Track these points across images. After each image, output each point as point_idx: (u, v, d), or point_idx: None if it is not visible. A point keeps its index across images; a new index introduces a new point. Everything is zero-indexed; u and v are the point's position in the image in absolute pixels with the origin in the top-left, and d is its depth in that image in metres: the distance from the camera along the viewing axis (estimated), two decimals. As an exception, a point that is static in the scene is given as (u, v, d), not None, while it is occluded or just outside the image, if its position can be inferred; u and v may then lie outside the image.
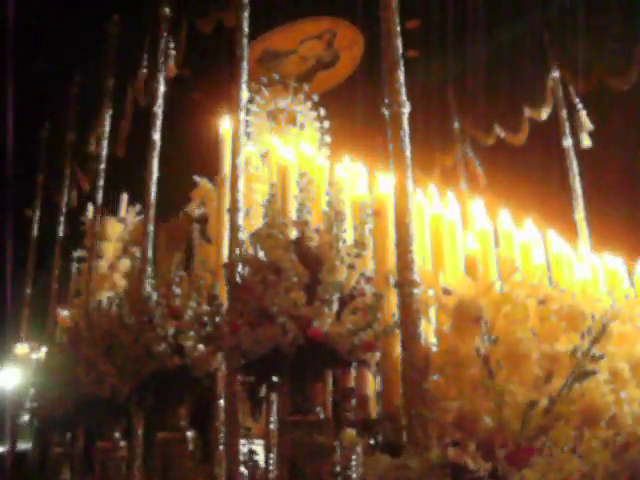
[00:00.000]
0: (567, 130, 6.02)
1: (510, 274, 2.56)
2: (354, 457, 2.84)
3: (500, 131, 6.82)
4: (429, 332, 2.66)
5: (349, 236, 2.93)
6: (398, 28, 2.94)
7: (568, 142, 6.00)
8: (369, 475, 2.18)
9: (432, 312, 2.67)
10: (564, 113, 6.14)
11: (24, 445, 6.51)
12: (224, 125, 4.11)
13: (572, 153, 5.94)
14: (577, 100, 6.17)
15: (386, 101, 2.84)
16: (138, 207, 6.34)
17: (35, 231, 7.71)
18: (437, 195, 3.53)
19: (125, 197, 6.38)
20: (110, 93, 6.48)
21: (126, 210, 6.34)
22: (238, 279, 2.95)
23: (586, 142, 6.02)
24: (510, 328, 2.41)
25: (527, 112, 6.59)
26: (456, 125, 7.08)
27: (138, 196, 6.18)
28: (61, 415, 4.91)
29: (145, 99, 6.22)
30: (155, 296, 3.67)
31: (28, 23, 7.03)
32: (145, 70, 6.08)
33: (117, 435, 4.44)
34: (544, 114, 6.44)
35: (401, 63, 2.89)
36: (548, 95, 6.39)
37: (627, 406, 2.75)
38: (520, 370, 2.34)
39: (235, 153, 3.71)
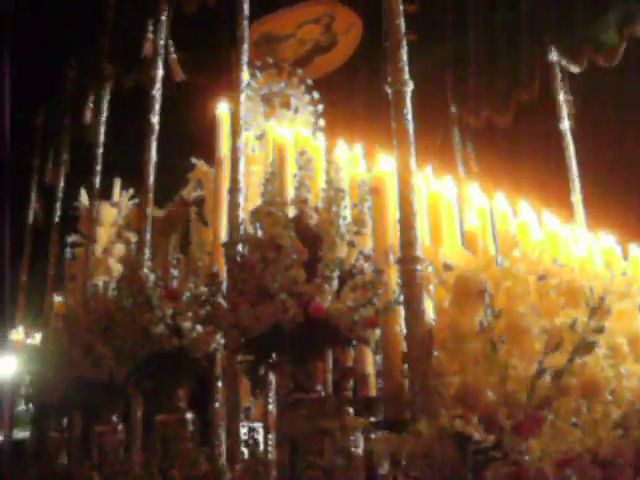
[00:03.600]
0: (564, 113, 6.00)
1: (510, 249, 2.57)
2: (355, 436, 2.84)
3: (490, 113, 6.80)
4: (429, 308, 2.67)
5: (347, 214, 2.93)
6: (401, 7, 2.95)
7: (565, 125, 5.99)
8: (379, 454, 2.18)
9: (431, 288, 2.68)
10: (561, 96, 6.12)
11: (23, 433, 6.49)
12: (221, 107, 4.11)
13: (568, 136, 5.93)
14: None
15: (389, 80, 2.86)
16: (131, 191, 6.31)
17: (31, 217, 7.70)
18: (433, 177, 3.54)
19: (118, 181, 6.34)
20: (106, 78, 6.46)
21: (119, 194, 6.30)
22: (238, 258, 2.94)
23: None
24: (511, 303, 2.41)
25: (517, 94, 6.58)
26: (452, 109, 7.06)
27: (130, 180, 6.19)
28: (58, 400, 4.90)
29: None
30: (153, 278, 3.66)
31: (22, 8, 6.98)
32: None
33: (115, 418, 4.43)
34: (534, 96, 6.43)
35: (404, 42, 2.90)
36: (537, 77, 6.37)
37: (626, 380, 2.77)
38: (521, 344, 2.35)
39: (235, 134, 3.73)
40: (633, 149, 6.40)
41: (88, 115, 6.98)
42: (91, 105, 6.93)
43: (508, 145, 6.77)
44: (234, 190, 3.54)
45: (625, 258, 4.20)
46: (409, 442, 2.06)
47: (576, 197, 5.69)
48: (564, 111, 6.06)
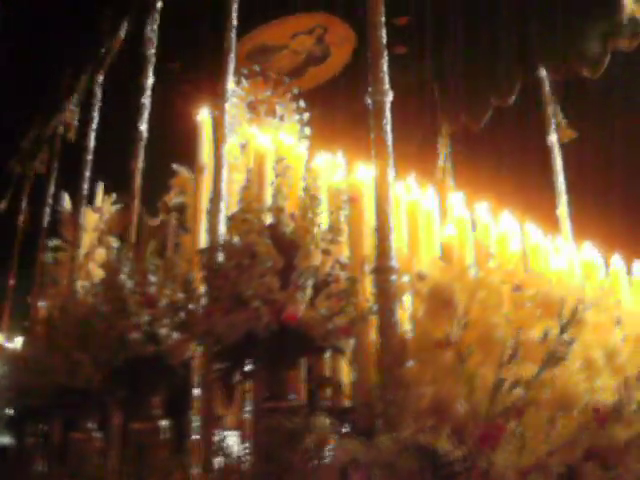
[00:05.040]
0: (552, 126, 6.01)
1: (485, 259, 2.56)
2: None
3: (465, 119, 6.80)
4: (403, 318, 2.66)
5: (324, 222, 2.92)
6: (383, 18, 2.96)
7: (552, 138, 5.99)
8: (340, 458, 2.17)
9: (406, 298, 2.67)
10: (550, 109, 6.12)
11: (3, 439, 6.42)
12: (202, 114, 4.11)
13: (556, 149, 5.93)
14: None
15: (369, 90, 2.86)
16: (114, 196, 6.30)
17: (20, 222, 7.66)
18: (415, 186, 3.54)
19: (102, 186, 6.32)
20: (95, 83, 6.45)
21: (102, 199, 6.28)
22: (213, 264, 2.92)
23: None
24: (484, 313, 2.40)
25: (494, 101, 6.59)
26: (435, 118, 7.06)
27: (113, 185, 6.17)
28: (36, 405, 4.85)
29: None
30: (130, 284, 3.63)
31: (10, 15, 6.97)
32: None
33: (92, 426, 4.39)
34: (511, 103, 6.44)
35: (385, 53, 2.90)
36: (517, 87, 6.37)
37: (599, 394, 2.76)
38: (493, 355, 2.34)
39: (219, 143, 3.72)
40: (619, 161, 6.42)
41: (76, 118, 6.97)
42: (75, 108, 6.93)
43: (494, 156, 6.77)
44: (216, 198, 3.53)
45: (607, 269, 4.21)
46: (371, 452, 2.04)
47: (562, 210, 5.69)
48: (552, 124, 6.08)
